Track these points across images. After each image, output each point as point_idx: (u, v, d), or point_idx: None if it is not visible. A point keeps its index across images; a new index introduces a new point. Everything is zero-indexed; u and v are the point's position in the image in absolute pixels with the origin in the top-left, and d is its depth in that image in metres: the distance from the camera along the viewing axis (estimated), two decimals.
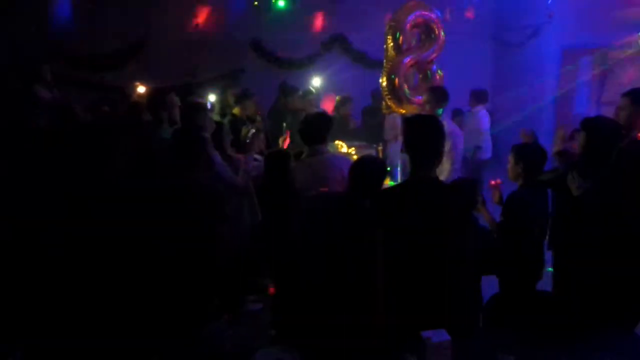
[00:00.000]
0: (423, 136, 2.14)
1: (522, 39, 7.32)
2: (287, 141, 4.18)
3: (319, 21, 7.81)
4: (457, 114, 5.96)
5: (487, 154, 6.00)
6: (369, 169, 2.49)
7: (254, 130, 3.84)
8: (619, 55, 6.24)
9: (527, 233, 2.68)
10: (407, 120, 2.26)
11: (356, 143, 4.89)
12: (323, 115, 3.38)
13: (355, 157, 4.89)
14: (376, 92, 5.88)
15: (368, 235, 2.19)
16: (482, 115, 5.97)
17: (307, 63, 7.76)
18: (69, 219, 2.32)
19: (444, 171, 3.61)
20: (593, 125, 2.71)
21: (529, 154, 2.80)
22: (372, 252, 2.22)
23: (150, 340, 2.21)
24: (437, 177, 2.18)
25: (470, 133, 5.60)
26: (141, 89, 4.45)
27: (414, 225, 2.09)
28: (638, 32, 5.69)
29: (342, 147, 4.96)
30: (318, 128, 3.05)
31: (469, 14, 6.93)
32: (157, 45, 6.85)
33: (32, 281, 2.24)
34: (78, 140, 3.19)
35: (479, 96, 5.68)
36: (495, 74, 8.15)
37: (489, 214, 2.91)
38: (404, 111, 4.11)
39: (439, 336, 1.85)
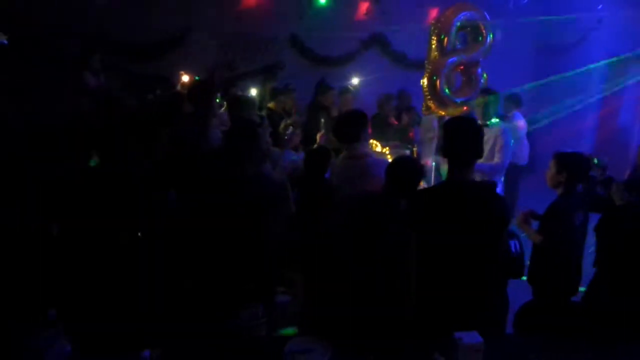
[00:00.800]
0: (462, 139, 2.14)
1: (570, 44, 7.12)
2: (323, 137, 4.22)
3: (359, 19, 7.80)
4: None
5: (523, 160, 5.88)
6: (405, 170, 2.51)
7: (291, 126, 3.89)
8: None
9: (568, 243, 2.64)
10: (446, 123, 2.26)
11: (391, 143, 4.90)
12: (357, 113, 3.36)
13: (389, 157, 4.91)
14: (403, 92, 5.90)
15: (402, 235, 2.21)
16: (517, 119, 5.87)
17: (346, 61, 7.78)
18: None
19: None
20: None
21: (574, 163, 2.75)
22: (405, 251, 2.25)
23: (193, 323, 2.30)
24: (474, 180, 2.18)
25: None
26: (185, 78, 4.56)
27: (450, 226, 2.10)
28: None
29: (377, 146, 4.98)
30: (352, 126, 3.04)
31: None
32: (198, 38, 6.99)
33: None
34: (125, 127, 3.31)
35: (514, 100, 5.58)
36: (538, 79, 7.93)
37: (529, 227, 2.88)
38: (443, 113, 4.10)
39: (470, 338, 1.84)
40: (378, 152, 4.88)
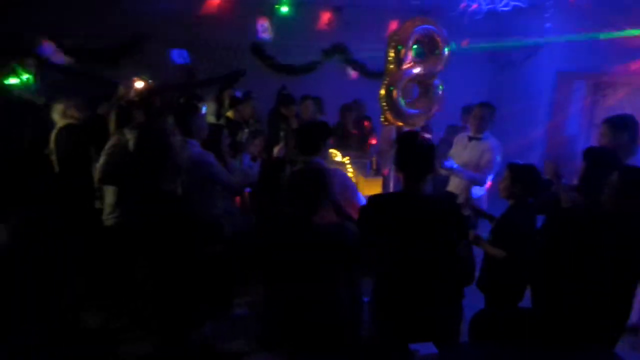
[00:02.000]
0: (414, 154, 2.19)
1: (520, 59, 7.46)
2: (281, 149, 4.19)
3: (321, 29, 7.86)
4: (452, 129, 6.04)
5: None
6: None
7: (246, 133, 3.84)
8: (611, 79, 6.38)
9: (516, 254, 2.72)
10: (399, 138, 2.31)
11: (351, 152, 4.94)
12: (319, 124, 3.33)
13: (349, 166, 4.94)
14: (358, 101, 6.00)
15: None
16: None
17: (307, 70, 7.83)
18: None
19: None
20: (593, 155, 2.81)
21: (528, 175, 2.82)
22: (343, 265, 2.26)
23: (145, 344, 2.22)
24: (426, 193, 2.22)
25: None
26: (139, 85, 4.42)
27: (400, 236, 2.12)
28: (630, 59, 5.82)
29: (337, 155, 5.00)
30: (313, 137, 3.01)
31: (464, 43, 7.10)
32: (154, 43, 6.83)
33: None
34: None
35: (470, 112, 5.75)
36: (492, 92, 8.26)
37: (485, 244, 2.94)
38: (401, 124, 4.16)
39: (426, 349, 1.87)
40: (338, 162, 4.91)
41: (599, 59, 6.24)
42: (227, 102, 5.35)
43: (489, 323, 2.71)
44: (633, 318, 3.21)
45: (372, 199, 2.32)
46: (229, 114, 5.20)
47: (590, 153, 2.93)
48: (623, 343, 2.57)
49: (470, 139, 4.57)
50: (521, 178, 2.82)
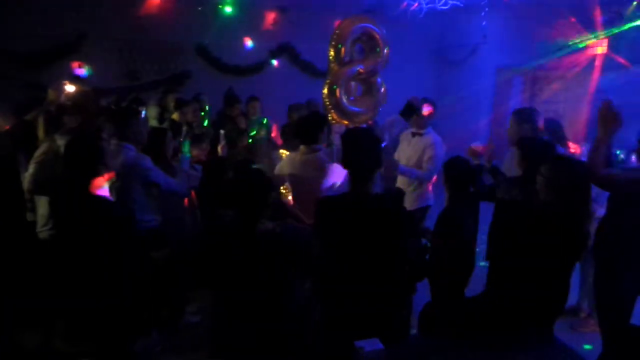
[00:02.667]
0: (359, 151, 2.17)
1: (461, 57, 7.71)
2: (224, 148, 4.10)
3: (267, 29, 7.81)
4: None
5: None
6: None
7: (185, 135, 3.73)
8: (546, 74, 6.73)
9: (459, 247, 2.77)
10: (344, 135, 2.29)
11: None
12: (315, 115, 3.57)
13: None
14: (312, 101, 6.00)
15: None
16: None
17: (254, 70, 7.76)
18: None
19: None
20: (527, 144, 2.92)
21: (455, 170, 2.89)
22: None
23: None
24: (377, 193, 2.22)
25: None
26: (70, 88, 4.21)
27: (349, 236, 2.13)
28: (560, 54, 6.16)
29: (285, 155, 4.98)
30: (310, 128, 3.27)
31: None
32: (95, 44, 6.55)
33: None
34: None
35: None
36: (437, 89, 8.51)
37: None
38: (346, 122, 4.19)
39: (371, 345, 1.87)
40: None
41: (534, 55, 6.56)
42: (171, 105, 5.19)
43: (435, 315, 2.77)
44: (572, 301, 3.38)
45: (320, 201, 2.31)
46: (174, 116, 5.05)
47: (523, 143, 3.03)
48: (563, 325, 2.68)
49: (414, 134, 4.67)
50: (449, 174, 2.88)
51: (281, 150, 5.03)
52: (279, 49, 7.92)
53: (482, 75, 7.63)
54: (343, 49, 3.90)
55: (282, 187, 4.79)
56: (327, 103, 4.08)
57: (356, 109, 4.05)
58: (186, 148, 3.51)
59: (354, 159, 2.18)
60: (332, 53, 3.97)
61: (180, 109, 4.96)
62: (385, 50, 4.04)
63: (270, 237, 2.18)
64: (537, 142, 3.09)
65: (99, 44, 6.60)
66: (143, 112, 3.64)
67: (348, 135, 2.28)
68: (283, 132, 6.04)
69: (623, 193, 2.45)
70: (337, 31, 3.93)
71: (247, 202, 2.16)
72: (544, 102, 6.98)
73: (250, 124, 5.56)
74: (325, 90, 4.03)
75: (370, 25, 3.95)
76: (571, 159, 2.39)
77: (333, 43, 3.94)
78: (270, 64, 7.90)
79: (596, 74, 5.81)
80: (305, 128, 3.29)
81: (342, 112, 4.04)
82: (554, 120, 3.98)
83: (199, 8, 6.98)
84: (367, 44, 4.01)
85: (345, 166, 2.22)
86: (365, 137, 2.23)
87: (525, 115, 3.42)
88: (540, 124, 3.47)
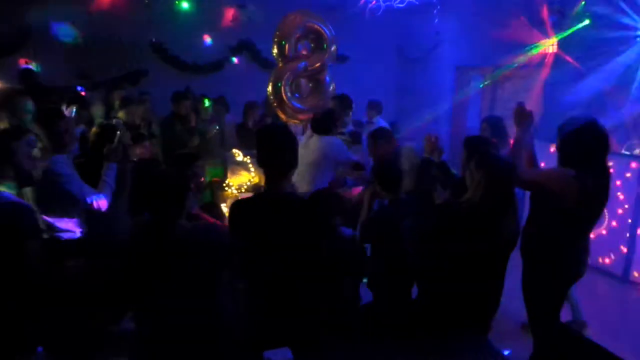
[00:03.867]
0: (274, 149, 2.07)
1: (421, 54, 7.73)
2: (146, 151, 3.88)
3: (226, 26, 7.66)
4: (356, 124, 6.10)
5: None
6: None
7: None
8: (504, 72, 6.78)
9: (396, 248, 2.70)
10: (258, 133, 2.19)
11: (253, 151, 4.78)
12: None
13: (250, 165, 4.81)
14: (268, 100, 5.89)
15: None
16: (381, 124, 6.16)
17: (214, 68, 7.60)
18: None
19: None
20: (470, 144, 2.87)
21: (382, 172, 2.81)
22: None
23: None
24: (291, 193, 2.13)
25: None
26: None
27: (265, 237, 2.03)
28: (516, 52, 6.21)
29: (238, 155, 4.86)
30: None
31: None
32: (44, 42, 6.29)
33: None
34: None
35: (375, 107, 5.85)
36: (398, 87, 8.52)
37: None
38: (296, 121, 4.11)
39: (280, 355, 1.79)
40: (239, 162, 4.77)
41: (492, 53, 6.60)
42: (117, 103, 5.00)
43: (373, 317, 2.71)
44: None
45: (234, 203, 2.22)
46: (120, 115, 4.87)
47: (467, 142, 2.98)
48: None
49: None
50: (378, 177, 2.83)
51: (234, 150, 4.91)
52: (239, 46, 7.77)
53: (441, 73, 7.65)
54: (287, 45, 3.81)
55: (224, 187, 4.68)
56: (273, 101, 3.99)
57: (301, 106, 3.97)
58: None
59: (268, 158, 2.08)
60: (275, 50, 3.89)
61: (127, 108, 4.78)
62: (333, 48, 3.97)
63: (186, 236, 2.07)
64: (478, 140, 3.05)
65: (48, 41, 6.33)
66: (73, 112, 3.44)
67: (262, 133, 2.17)
68: (238, 131, 5.92)
69: (541, 192, 2.45)
70: (280, 27, 3.85)
71: (159, 203, 2.05)
72: (504, 100, 7.04)
73: (202, 123, 5.40)
74: (270, 88, 3.95)
75: (316, 22, 3.88)
76: (495, 157, 2.34)
77: (276, 39, 3.85)
78: (230, 61, 7.74)
79: (546, 72, 5.89)
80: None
81: (287, 109, 3.96)
82: (494, 117, 3.98)
83: (146, 1, 6.72)
84: (314, 41, 3.94)
85: (260, 164, 2.12)
86: (280, 135, 2.12)
87: (498, 123, 3.66)
88: None
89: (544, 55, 5.95)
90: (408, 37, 7.44)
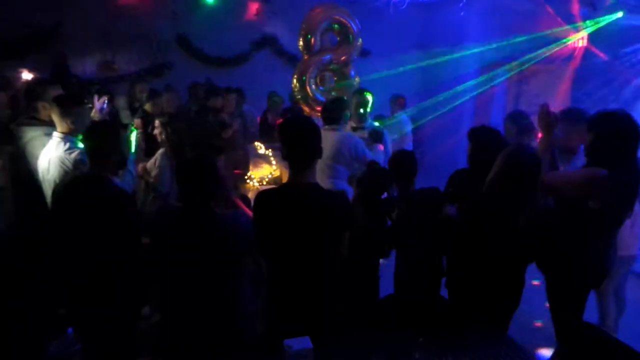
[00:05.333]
0: (297, 141, 2.09)
1: (445, 49, 7.62)
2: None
3: (250, 20, 7.71)
4: (379, 119, 6.08)
5: None
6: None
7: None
8: (530, 67, 6.65)
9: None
10: (281, 125, 2.20)
11: (275, 144, 4.83)
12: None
13: (272, 159, 4.85)
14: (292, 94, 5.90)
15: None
16: (404, 120, 6.12)
17: (237, 62, 7.66)
18: None
19: None
20: (477, 136, 2.82)
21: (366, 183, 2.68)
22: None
23: None
24: (316, 183, 2.14)
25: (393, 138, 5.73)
26: (27, 77, 4.06)
27: (288, 226, 2.06)
28: (544, 47, 6.08)
29: (260, 148, 4.90)
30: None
31: None
32: (72, 35, 6.44)
33: None
34: None
35: (397, 101, 5.81)
36: (422, 82, 8.43)
37: None
38: (319, 114, 4.12)
39: (300, 344, 1.82)
40: (261, 154, 4.81)
41: (519, 48, 6.47)
42: (143, 95, 5.09)
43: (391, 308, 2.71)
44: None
45: (259, 194, 2.25)
46: (147, 107, 4.96)
47: (474, 134, 2.91)
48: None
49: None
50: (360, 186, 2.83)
51: (256, 143, 4.95)
52: (262, 40, 7.81)
53: (466, 68, 7.55)
54: (313, 39, 3.82)
55: (246, 179, 4.73)
56: (297, 95, 4.01)
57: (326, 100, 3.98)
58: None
59: (290, 149, 2.10)
60: (301, 43, 3.90)
61: (154, 100, 4.87)
62: (359, 41, 3.96)
63: (214, 223, 2.11)
64: (489, 131, 2.94)
65: (77, 33, 6.48)
66: (105, 103, 3.50)
67: (285, 125, 2.19)
68: (261, 124, 5.97)
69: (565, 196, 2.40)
70: (306, 20, 3.85)
71: (191, 189, 2.10)
72: (531, 97, 6.91)
73: (227, 116, 5.46)
74: (295, 82, 3.96)
75: (342, 15, 3.87)
76: (522, 150, 2.31)
77: (302, 32, 3.86)
78: (253, 56, 7.78)
79: (575, 66, 5.75)
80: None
81: (312, 103, 3.98)
82: (518, 111, 3.89)
83: None
84: (339, 34, 3.93)
85: (283, 157, 2.14)
86: (301, 126, 2.14)
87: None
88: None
89: (573, 49, 5.81)
90: (432, 31, 7.35)
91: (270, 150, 4.86)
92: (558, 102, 6.06)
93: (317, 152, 2.13)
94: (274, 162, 4.83)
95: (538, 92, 6.68)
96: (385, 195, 3.01)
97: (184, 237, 2.08)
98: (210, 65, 7.51)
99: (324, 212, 2.07)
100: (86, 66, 6.59)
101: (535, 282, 2.85)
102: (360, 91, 4.27)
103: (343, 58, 3.97)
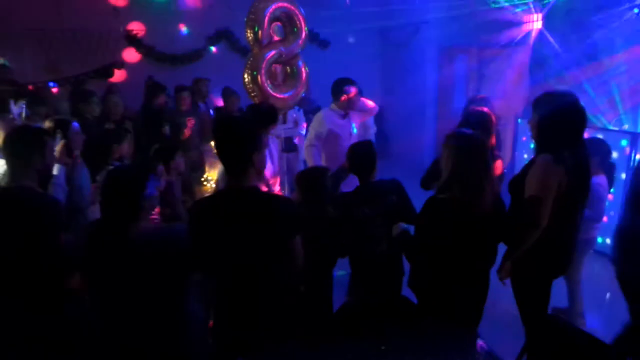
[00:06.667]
0: (231, 142, 1.89)
1: (405, 37, 7.54)
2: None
3: (204, 15, 7.40)
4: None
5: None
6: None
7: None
8: (490, 53, 6.63)
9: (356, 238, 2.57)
10: (214, 126, 2.01)
11: None
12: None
13: None
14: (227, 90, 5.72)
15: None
16: None
17: (192, 58, 7.36)
18: None
19: None
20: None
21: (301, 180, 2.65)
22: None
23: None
24: (254, 187, 1.95)
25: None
26: None
27: (228, 234, 1.88)
28: (500, 31, 6.06)
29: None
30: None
31: None
32: (10, 34, 6.00)
33: None
34: None
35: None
36: (383, 71, 8.34)
37: None
38: None
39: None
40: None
41: (478, 33, 6.43)
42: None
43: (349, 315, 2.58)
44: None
45: (194, 204, 2.06)
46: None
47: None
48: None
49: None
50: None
51: (212, 143, 4.73)
52: (217, 35, 7.52)
53: (426, 55, 7.49)
54: (260, 32, 3.62)
55: (203, 181, 4.51)
56: (250, 90, 3.81)
57: (280, 94, 3.80)
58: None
59: (225, 152, 1.91)
60: (249, 36, 3.70)
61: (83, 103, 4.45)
62: (304, 30, 3.78)
63: (139, 240, 1.92)
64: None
65: (14, 34, 6.04)
66: (22, 107, 3.19)
67: (219, 126, 1.98)
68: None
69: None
70: (252, 11, 3.65)
71: (113, 204, 1.90)
72: (490, 80, 6.90)
73: (180, 115, 5.20)
74: (246, 77, 3.76)
75: (287, 5, 3.68)
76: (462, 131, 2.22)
77: (249, 24, 3.66)
78: (209, 51, 7.50)
79: (530, 48, 5.75)
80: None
81: (267, 98, 3.78)
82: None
83: None
84: (287, 25, 3.75)
85: (219, 158, 1.95)
86: (237, 126, 1.94)
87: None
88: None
89: (528, 32, 5.80)
90: (390, 20, 7.24)
91: None
92: (515, 85, 6.07)
93: (251, 155, 1.90)
94: None
95: (497, 76, 6.66)
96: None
97: (106, 256, 1.89)
98: (163, 63, 7.20)
99: (264, 217, 1.89)
100: (26, 69, 6.15)
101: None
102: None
103: (293, 49, 3.78)
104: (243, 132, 1.90)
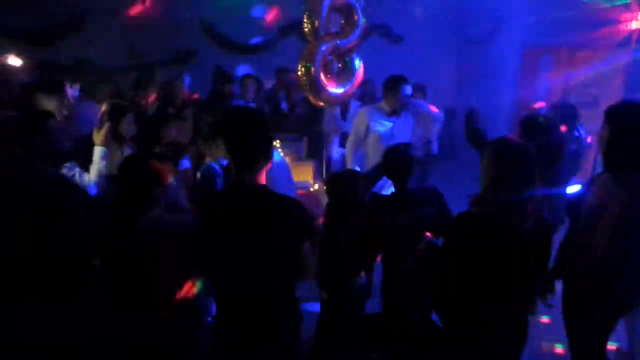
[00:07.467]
0: (241, 136, 1.79)
1: (483, 35, 7.03)
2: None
3: (277, 6, 7.44)
4: None
5: (435, 149, 5.71)
6: None
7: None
8: (576, 53, 5.97)
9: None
10: (227, 117, 1.90)
11: (282, 135, 4.54)
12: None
13: (280, 149, 4.57)
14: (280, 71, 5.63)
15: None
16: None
17: (264, 48, 7.43)
18: None
19: None
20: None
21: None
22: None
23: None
24: (263, 185, 1.84)
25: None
26: (14, 62, 3.92)
27: (234, 232, 1.78)
28: (592, 31, 5.41)
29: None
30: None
31: None
32: (98, 23, 6.42)
33: None
34: None
35: (420, 90, 5.41)
36: (458, 69, 7.86)
37: None
38: (323, 103, 3.82)
39: None
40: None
41: (564, 32, 5.83)
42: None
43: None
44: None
45: (201, 201, 1.99)
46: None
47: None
48: None
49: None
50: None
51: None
52: (290, 26, 7.51)
53: (507, 54, 6.92)
54: (317, 22, 3.50)
55: None
56: (303, 83, 3.71)
57: (334, 89, 3.65)
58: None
59: (235, 146, 1.80)
60: (307, 27, 3.59)
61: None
62: (361, 21, 3.59)
63: (147, 229, 1.89)
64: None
65: (102, 21, 6.46)
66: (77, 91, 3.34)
67: (228, 118, 1.87)
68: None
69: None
70: (309, 4, 3.53)
71: (125, 192, 1.89)
72: (577, 85, 6.23)
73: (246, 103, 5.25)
74: (301, 71, 3.66)
75: None
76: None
77: (307, 15, 3.55)
78: (281, 42, 7.52)
79: (629, 52, 5.05)
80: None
81: (319, 92, 3.66)
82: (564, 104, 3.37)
83: None
84: (344, 15, 3.59)
85: (227, 152, 1.84)
86: (248, 119, 1.82)
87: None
88: None
89: (629, 33, 5.12)
90: (468, 16, 6.79)
91: (278, 141, 4.59)
92: (609, 94, 5.40)
93: (263, 152, 1.81)
94: (281, 154, 4.56)
95: (587, 81, 5.99)
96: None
97: (114, 243, 1.88)
98: (235, 52, 7.34)
99: (271, 218, 1.77)
100: (111, 54, 6.56)
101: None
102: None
103: (350, 41, 3.61)
104: (258, 126, 1.79)
